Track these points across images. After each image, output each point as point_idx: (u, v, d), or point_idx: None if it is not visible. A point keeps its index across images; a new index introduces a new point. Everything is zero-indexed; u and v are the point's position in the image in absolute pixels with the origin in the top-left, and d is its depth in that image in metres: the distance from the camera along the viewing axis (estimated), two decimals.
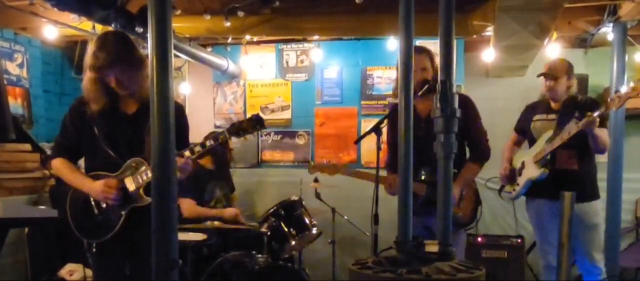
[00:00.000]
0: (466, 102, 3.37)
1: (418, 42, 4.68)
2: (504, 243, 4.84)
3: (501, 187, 3.99)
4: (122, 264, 2.83)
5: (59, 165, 2.79)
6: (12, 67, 4.96)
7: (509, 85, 5.59)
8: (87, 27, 4.49)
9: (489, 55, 4.92)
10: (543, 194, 3.66)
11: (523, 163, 3.78)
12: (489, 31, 4.50)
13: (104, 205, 2.72)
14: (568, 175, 3.58)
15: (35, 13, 4.32)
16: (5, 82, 4.68)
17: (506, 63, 5.11)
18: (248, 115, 4.82)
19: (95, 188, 2.66)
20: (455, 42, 1.88)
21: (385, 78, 5.53)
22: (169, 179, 1.42)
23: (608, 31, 4.69)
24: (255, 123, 2.75)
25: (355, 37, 5.47)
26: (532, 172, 3.68)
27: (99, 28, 4.54)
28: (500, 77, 5.59)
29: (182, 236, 3.91)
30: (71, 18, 4.19)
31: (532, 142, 3.81)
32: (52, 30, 4.64)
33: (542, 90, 3.79)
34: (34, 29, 4.98)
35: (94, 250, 2.72)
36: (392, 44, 5.24)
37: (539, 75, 3.75)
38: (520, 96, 5.48)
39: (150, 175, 2.65)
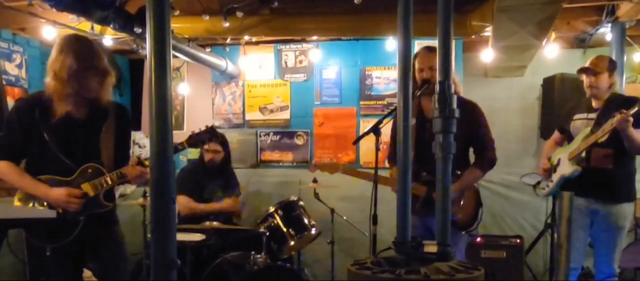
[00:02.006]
0: (473, 109, 3.36)
1: (417, 42, 4.69)
2: (503, 243, 4.85)
3: (537, 183, 3.98)
4: (77, 266, 2.83)
5: (5, 169, 2.70)
6: (10, 68, 4.96)
7: (507, 86, 5.60)
8: (86, 28, 4.49)
9: (487, 55, 4.92)
10: (574, 192, 3.61)
11: (559, 160, 3.76)
12: (488, 31, 4.50)
13: (60, 210, 2.68)
14: (601, 174, 3.53)
15: (34, 13, 4.32)
16: (4, 83, 4.68)
17: (505, 63, 5.11)
18: (247, 118, 4.83)
19: (56, 195, 2.64)
20: (454, 43, 1.88)
21: (384, 78, 5.53)
22: (167, 180, 1.42)
23: (606, 31, 4.70)
24: (211, 135, 3.07)
25: (354, 37, 5.47)
26: (565, 169, 3.66)
27: (98, 29, 4.54)
28: (499, 78, 5.59)
29: (181, 236, 3.92)
30: (70, 18, 4.18)
31: (571, 140, 3.77)
32: (50, 30, 4.63)
33: (585, 84, 3.68)
34: (33, 30, 4.97)
35: (48, 253, 2.69)
36: (391, 44, 5.24)
37: (579, 71, 3.65)
38: (518, 96, 5.51)
39: (110, 181, 2.70)
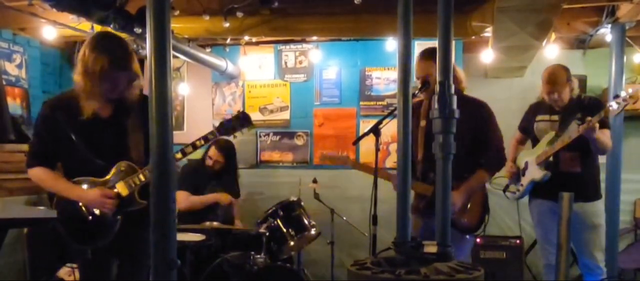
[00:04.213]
0: (482, 108, 3.33)
1: (417, 43, 4.70)
2: (503, 244, 4.86)
3: (506, 186, 4.00)
4: (113, 265, 2.80)
5: (40, 175, 2.67)
6: (11, 68, 4.96)
7: (507, 86, 5.60)
8: (86, 28, 4.49)
9: (487, 56, 4.92)
10: (545, 194, 3.68)
11: (526, 164, 3.80)
12: (488, 32, 4.50)
13: (97, 211, 2.65)
14: (571, 177, 3.59)
15: (34, 13, 4.32)
16: (4, 83, 4.68)
17: (505, 64, 5.11)
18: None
19: (91, 197, 2.60)
20: (454, 43, 1.88)
21: (384, 79, 5.53)
22: (168, 179, 1.42)
23: (606, 32, 4.70)
24: (243, 121, 2.88)
25: (354, 37, 5.47)
26: (534, 173, 3.70)
27: (98, 28, 4.54)
28: (499, 78, 5.60)
29: (181, 236, 3.92)
30: (70, 18, 4.18)
31: (536, 142, 3.82)
32: (50, 30, 4.64)
33: (545, 97, 3.77)
34: (33, 30, 4.98)
35: (89, 255, 2.65)
36: (391, 44, 5.24)
37: (547, 94, 3.70)
38: (519, 97, 5.50)
39: (143, 178, 2.65)
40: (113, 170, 2.67)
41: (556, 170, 3.62)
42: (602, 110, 3.43)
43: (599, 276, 3.65)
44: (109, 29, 3.86)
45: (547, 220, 3.70)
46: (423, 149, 3.35)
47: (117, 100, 2.67)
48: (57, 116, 2.63)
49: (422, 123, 3.36)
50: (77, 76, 2.59)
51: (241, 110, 2.98)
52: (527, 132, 3.96)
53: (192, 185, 4.61)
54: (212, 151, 4.66)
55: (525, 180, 3.78)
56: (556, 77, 3.67)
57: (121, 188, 2.66)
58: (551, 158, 3.63)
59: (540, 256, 3.95)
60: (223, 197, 4.59)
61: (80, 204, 2.66)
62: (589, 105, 3.60)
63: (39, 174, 2.68)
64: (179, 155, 2.75)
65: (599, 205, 3.69)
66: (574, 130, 3.47)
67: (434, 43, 1.83)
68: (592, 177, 3.70)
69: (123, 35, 4.39)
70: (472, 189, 3.30)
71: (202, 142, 2.82)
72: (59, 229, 2.68)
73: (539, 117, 3.81)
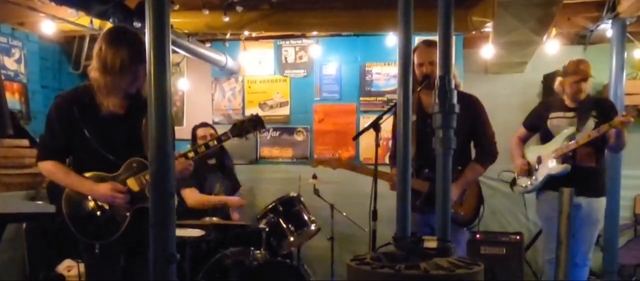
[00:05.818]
0: (473, 103, 3.35)
1: (417, 38, 4.68)
2: (503, 240, 4.86)
3: (513, 180, 4.01)
4: (120, 260, 2.79)
5: (51, 169, 2.66)
6: (9, 62, 4.95)
7: (508, 82, 5.59)
8: (85, 22, 4.48)
9: (488, 51, 4.91)
10: (558, 188, 3.68)
11: (539, 158, 3.83)
12: (488, 27, 4.49)
13: (106, 207, 2.66)
14: (586, 172, 3.64)
15: (33, 8, 4.31)
16: (2, 78, 4.67)
17: (505, 59, 5.10)
18: (247, 114, 4.88)
19: (102, 191, 2.61)
20: (454, 38, 1.88)
21: (384, 74, 5.52)
22: (167, 174, 1.42)
23: (607, 28, 4.69)
24: (256, 123, 2.94)
25: (354, 33, 5.45)
26: (552, 167, 3.73)
27: (97, 23, 4.53)
28: (499, 74, 5.59)
29: (181, 232, 3.91)
30: (69, 13, 4.17)
31: (548, 138, 3.84)
32: (50, 25, 4.62)
33: (568, 88, 3.76)
34: (32, 24, 4.96)
35: (97, 250, 2.64)
36: (391, 39, 5.23)
37: (574, 83, 3.71)
38: (519, 93, 5.50)
39: None
40: (124, 166, 2.67)
41: (572, 164, 3.65)
42: (634, 110, 3.60)
43: (585, 271, 3.71)
44: (109, 22, 3.86)
45: (557, 213, 3.70)
46: (415, 145, 3.35)
47: (133, 96, 2.67)
48: (73, 110, 2.61)
49: (412, 118, 3.37)
50: (94, 72, 2.57)
51: (255, 113, 3.02)
52: (535, 129, 3.98)
53: (196, 181, 4.61)
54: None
55: (540, 174, 3.81)
56: (584, 65, 3.72)
57: (132, 184, 2.66)
58: (570, 153, 3.66)
59: (543, 251, 3.96)
60: (235, 201, 4.63)
61: (90, 198, 2.66)
62: (603, 104, 3.71)
63: (50, 168, 2.67)
64: (191, 154, 2.77)
65: (603, 202, 3.74)
66: (604, 125, 3.51)
67: (435, 38, 1.83)
68: (602, 173, 3.77)
69: None
70: (468, 182, 3.35)
71: (216, 142, 2.84)
72: (67, 224, 2.68)
73: (553, 114, 3.84)
